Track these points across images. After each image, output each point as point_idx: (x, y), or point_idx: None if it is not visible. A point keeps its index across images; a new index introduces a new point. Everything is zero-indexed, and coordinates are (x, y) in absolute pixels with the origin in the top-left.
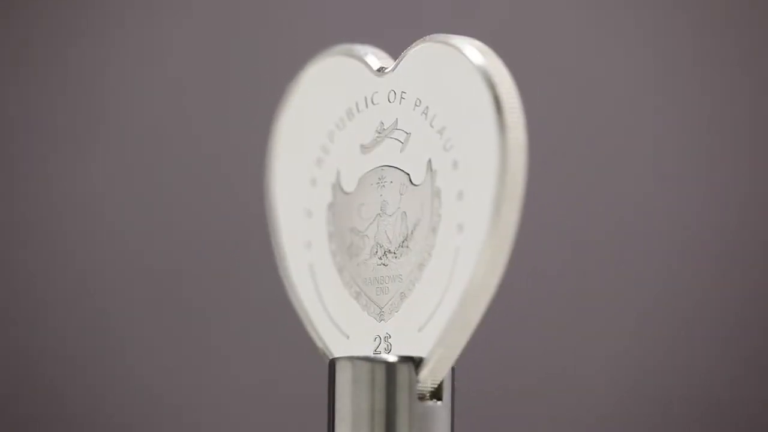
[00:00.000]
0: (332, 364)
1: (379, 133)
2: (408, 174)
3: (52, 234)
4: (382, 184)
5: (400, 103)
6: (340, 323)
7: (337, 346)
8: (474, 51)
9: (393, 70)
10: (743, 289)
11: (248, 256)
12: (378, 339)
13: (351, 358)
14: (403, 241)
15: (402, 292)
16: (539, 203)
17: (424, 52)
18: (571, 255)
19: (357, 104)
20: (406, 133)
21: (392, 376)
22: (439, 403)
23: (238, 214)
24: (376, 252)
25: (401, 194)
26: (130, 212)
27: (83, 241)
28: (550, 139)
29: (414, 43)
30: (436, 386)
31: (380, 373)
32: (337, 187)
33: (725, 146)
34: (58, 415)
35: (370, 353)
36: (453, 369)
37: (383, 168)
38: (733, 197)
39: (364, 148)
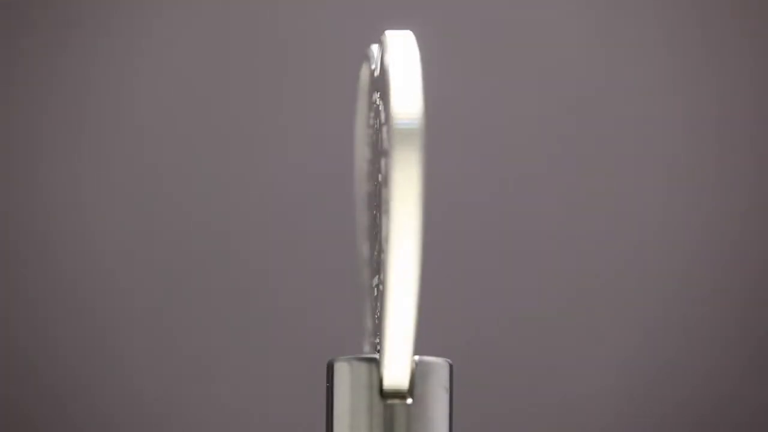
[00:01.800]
0: (330, 365)
1: (376, 131)
2: (381, 173)
3: (53, 234)
4: (377, 182)
5: (379, 102)
6: (368, 320)
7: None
8: (392, 50)
9: (377, 69)
10: (747, 290)
11: (247, 257)
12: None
13: (335, 359)
14: (383, 239)
15: (380, 290)
16: (543, 204)
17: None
18: (574, 256)
19: (371, 106)
20: (380, 130)
21: (348, 376)
22: (410, 401)
23: (238, 216)
24: (377, 249)
25: (382, 193)
26: (129, 213)
27: (83, 241)
28: (554, 139)
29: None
30: (405, 385)
31: (342, 373)
32: (373, 188)
33: (734, 148)
34: (59, 416)
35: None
36: (452, 367)
37: (377, 166)
38: (739, 199)
39: (374, 148)
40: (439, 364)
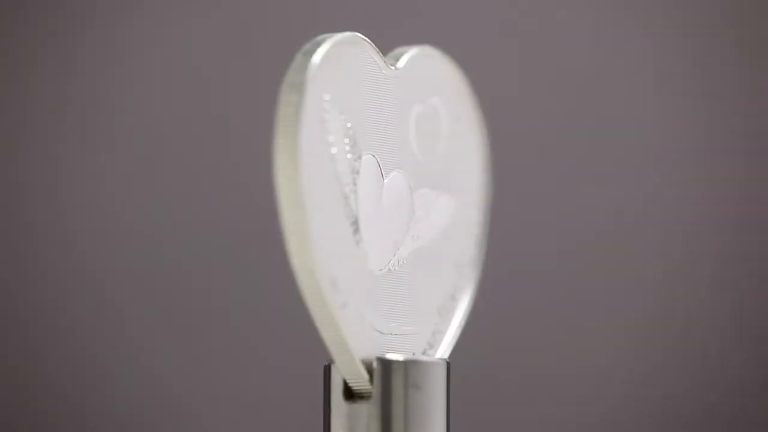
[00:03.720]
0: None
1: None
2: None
3: (56, 234)
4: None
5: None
6: None
7: None
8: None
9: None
10: (743, 290)
11: (247, 259)
12: None
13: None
14: None
15: None
16: (541, 204)
17: None
18: (571, 256)
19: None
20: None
21: (334, 378)
22: (370, 401)
23: (238, 217)
24: None
25: None
26: (131, 214)
27: (83, 240)
28: (552, 139)
29: None
30: (366, 385)
31: (333, 375)
32: None
33: (727, 148)
34: (57, 417)
35: None
36: (449, 365)
37: None
38: (733, 199)
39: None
40: (402, 362)
